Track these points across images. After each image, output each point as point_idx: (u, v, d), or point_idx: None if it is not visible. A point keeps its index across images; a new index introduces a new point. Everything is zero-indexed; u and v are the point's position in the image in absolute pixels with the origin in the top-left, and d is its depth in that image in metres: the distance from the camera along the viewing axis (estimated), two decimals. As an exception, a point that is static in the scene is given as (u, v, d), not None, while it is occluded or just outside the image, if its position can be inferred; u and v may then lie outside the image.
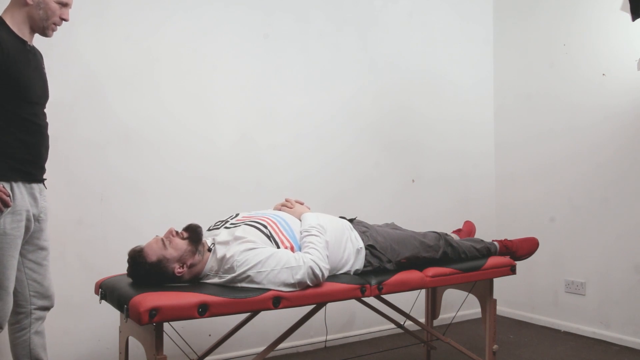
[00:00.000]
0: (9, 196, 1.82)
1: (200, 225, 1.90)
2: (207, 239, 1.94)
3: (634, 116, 3.01)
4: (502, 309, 3.65)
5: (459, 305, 2.75)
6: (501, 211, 3.81)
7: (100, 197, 2.49)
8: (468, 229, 2.72)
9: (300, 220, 2.03)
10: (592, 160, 3.22)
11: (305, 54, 3.09)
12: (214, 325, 2.64)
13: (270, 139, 2.97)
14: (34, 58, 1.98)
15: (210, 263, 1.85)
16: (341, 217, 2.24)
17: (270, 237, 1.90)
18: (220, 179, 2.80)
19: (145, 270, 1.76)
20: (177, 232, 1.84)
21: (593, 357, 2.86)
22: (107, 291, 1.84)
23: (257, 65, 2.94)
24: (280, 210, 2.13)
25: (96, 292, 1.92)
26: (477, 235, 2.66)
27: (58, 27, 1.99)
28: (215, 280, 1.82)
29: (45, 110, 2.02)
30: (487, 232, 3.23)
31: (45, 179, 2.05)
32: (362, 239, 2.11)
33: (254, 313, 2.19)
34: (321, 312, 2.12)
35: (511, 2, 3.76)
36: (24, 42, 1.92)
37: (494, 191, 3.85)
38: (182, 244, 1.79)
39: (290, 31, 3.04)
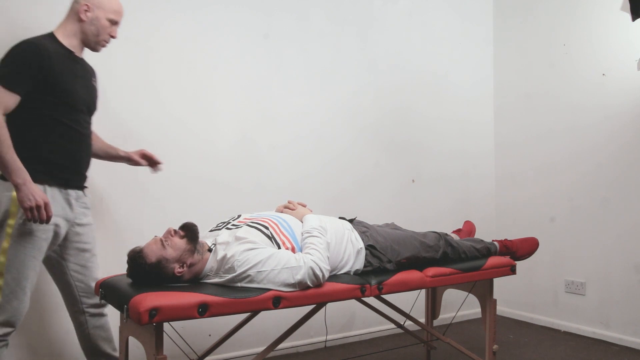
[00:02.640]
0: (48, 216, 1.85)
1: (197, 225, 1.89)
2: (208, 239, 1.94)
3: (634, 116, 3.01)
4: (502, 309, 3.65)
5: (459, 305, 2.75)
6: (501, 211, 3.81)
7: (100, 197, 2.49)
8: (468, 229, 2.72)
9: (302, 222, 2.03)
10: (592, 160, 3.23)
11: (305, 54, 3.09)
12: (214, 325, 2.64)
13: (271, 139, 2.97)
14: (81, 69, 2.07)
15: (211, 263, 1.85)
16: (341, 218, 2.24)
17: (271, 237, 1.90)
18: (221, 179, 2.80)
19: (145, 271, 1.75)
20: (175, 232, 1.84)
21: (593, 357, 2.87)
22: (107, 291, 1.84)
23: (257, 65, 2.94)
24: (282, 212, 2.14)
25: (96, 292, 1.92)
26: (477, 235, 2.66)
27: (107, 43, 2.10)
28: (216, 280, 1.82)
29: (89, 120, 2.10)
30: (487, 232, 3.23)
31: (86, 187, 2.12)
32: (362, 239, 2.10)
33: (254, 313, 2.19)
34: (321, 312, 2.12)
35: (511, 2, 3.77)
36: (70, 52, 2.01)
37: (494, 191, 3.85)
38: (181, 243, 1.79)
39: (290, 31, 3.05)
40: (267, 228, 1.92)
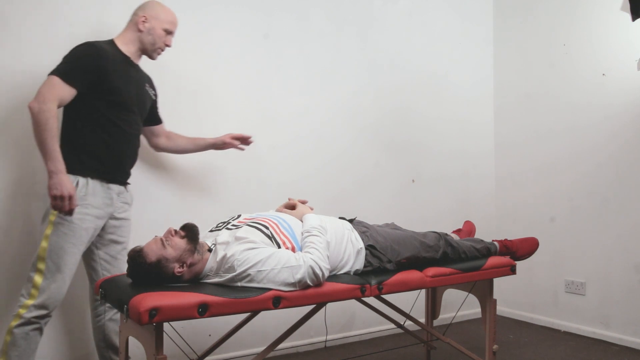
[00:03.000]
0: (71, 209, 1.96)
1: (197, 225, 1.90)
2: (208, 239, 1.94)
3: (634, 116, 3.01)
4: (502, 309, 3.65)
5: (459, 305, 2.75)
6: (501, 211, 3.81)
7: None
8: (468, 229, 2.72)
9: (302, 221, 2.03)
10: (592, 160, 3.23)
11: (305, 54, 3.09)
12: (214, 325, 2.64)
13: (270, 139, 2.97)
14: (135, 73, 2.24)
15: (210, 263, 1.85)
16: (341, 218, 2.24)
17: (271, 237, 1.90)
18: (220, 179, 2.80)
19: (145, 270, 1.75)
20: (175, 232, 1.84)
21: (593, 357, 2.87)
22: (107, 291, 1.84)
23: (257, 65, 2.94)
24: (282, 211, 2.14)
25: (96, 292, 1.92)
26: (477, 235, 2.66)
27: (162, 51, 2.30)
28: (216, 279, 1.82)
29: (139, 121, 2.26)
30: (487, 232, 3.23)
31: (129, 183, 2.27)
32: (362, 239, 2.10)
33: (254, 313, 2.19)
34: (321, 312, 2.12)
35: (511, 2, 3.77)
36: (126, 57, 2.19)
37: (494, 191, 3.85)
38: (181, 243, 1.80)
39: (290, 31, 3.05)
40: (267, 228, 1.92)
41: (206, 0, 2.78)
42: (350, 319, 3.20)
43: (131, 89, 2.18)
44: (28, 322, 1.95)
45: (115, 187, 2.17)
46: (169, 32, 2.27)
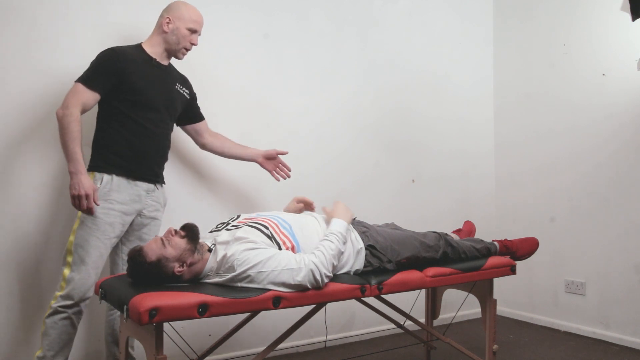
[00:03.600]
0: (91, 207, 2.04)
1: (197, 225, 1.90)
2: (208, 240, 1.94)
3: (634, 116, 3.01)
4: (502, 309, 3.65)
5: (459, 305, 2.75)
6: (501, 211, 3.81)
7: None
8: (468, 229, 2.72)
9: (329, 222, 2.02)
10: (592, 160, 3.23)
11: (305, 54, 3.09)
12: (214, 325, 2.64)
13: (270, 139, 2.96)
14: (161, 73, 2.29)
15: (211, 263, 1.85)
16: (341, 218, 2.23)
17: (271, 237, 1.90)
18: (220, 179, 2.80)
19: (145, 269, 1.76)
20: (175, 231, 1.84)
21: (593, 357, 2.87)
22: (107, 291, 1.84)
23: (257, 65, 2.94)
24: (289, 209, 2.15)
25: (96, 292, 1.92)
26: (477, 235, 2.66)
27: (188, 51, 2.34)
28: (216, 279, 1.82)
29: (168, 120, 2.31)
30: (487, 232, 3.23)
31: (162, 183, 2.34)
32: (362, 239, 2.10)
33: (254, 313, 2.19)
34: (321, 312, 2.12)
35: (511, 2, 3.77)
36: (151, 58, 2.25)
37: (494, 191, 3.85)
38: (181, 243, 1.80)
39: (290, 31, 3.05)
40: (267, 228, 1.92)
41: (206, 0, 2.78)
42: (350, 319, 3.20)
43: (155, 88, 2.23)
44: (56, 312, 2.03)
45: (143, 185, 2.22)
46: (193, 31, 2.30)
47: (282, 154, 2.66)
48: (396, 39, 3.44)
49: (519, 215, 3.67)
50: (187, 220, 1.92)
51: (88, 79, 2.09)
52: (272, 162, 2.67)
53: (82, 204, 2.01)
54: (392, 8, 3.43)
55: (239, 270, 1.76)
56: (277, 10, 3.00)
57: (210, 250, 1.88)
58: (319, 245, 1.89)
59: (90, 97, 2.09)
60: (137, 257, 1.76)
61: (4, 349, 2.29)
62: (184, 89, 2.41)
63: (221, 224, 2.07)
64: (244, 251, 1.78)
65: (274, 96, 2.99)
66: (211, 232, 2.04)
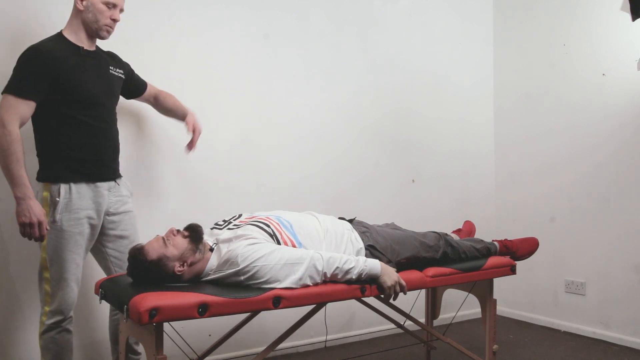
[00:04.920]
0: (42, 234, 1.91)
1: (201, 225, 1.90)
2: (209, 239, 1.95)
3: (634, 116, 3.01)
4: (502, 309, 3.65)
5: (459, 305, 2.75)
6: (501, 211, 3.81)
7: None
8: (468, 229, 2.72)
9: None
10: (592, 160, 3.22)
11: (305, 53, 3.09)
12: (214, 325, 2.64)
13: (270, 139, 2.97)
14: (92, 62, 2.08)
15: (212, 262, 1.86)
16: (341, 218, 2.24)
17: (272, 235, 1.91)
18: (220, 179, 2.80)
19: (145, 268, 1.76)
20: (178, 231, 1.84)
21: (593, 357, 2.87)
22: (107, 291, 1.84)
23: (257, 65, 2.94)
24: None
25: (96, 292, 1.92)
26: (477, 235, 2.66)
27: (112, 28, 2.08)
28: (218, 275, 1.82)
29: (112, 111, 2.15)
30: (487, 232, 3.22)
31: (120, 176, 2.19)
32: (362, 240, 2.11)
33: (254, 313, 2.19)
34: (321, 312, 2.12)
35: (511, 2, 3.76)
36: (78, 48, 2.03)
37: (494, 191, 3.85)
38: (183, 243, 1.80)
39: (290, 31, 3.04)
40: (268, 226, 1.94)
41: (206, 0, 2.78)
42: (350, 319, 3.20)
43: (92, 81, 2.05)
44: (50, 328, 1.99)
45: (104, 184, 2.09)
46: (112, 6, 2.04)
47: (191, 141, 2.42)
48: (396, 39, 3.44)
49: (519, 215, 3.67)
50: (187, 221, 1.92)
51: (18, 88, 1.88)
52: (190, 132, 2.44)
53: (33, 232, 1.87)
54: (392, 8, 3.42)
55: (242, 265, 1.76)
56: (277, 10, 3.00)
57: (212, 249, 1.88)
58: (335, 253, 1.90)
59: (26, 108, 1.89)
60: (137, 255, 1.77)
61: None
62: (117, 70, 2.21)
63: (223, 221, 2.08)
64: (246, 246, 1.79)
65: (274, 96, 2.99)
66: (212, 229, 2.05)
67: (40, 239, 1.91)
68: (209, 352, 2.27)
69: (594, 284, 3.21)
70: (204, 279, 1.86)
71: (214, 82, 2.80)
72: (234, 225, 1.99)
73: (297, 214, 2.11)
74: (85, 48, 2.06)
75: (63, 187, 1.98)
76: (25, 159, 1.90)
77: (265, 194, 2.91)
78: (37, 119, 1.98)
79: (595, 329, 3.19)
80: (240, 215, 2.08)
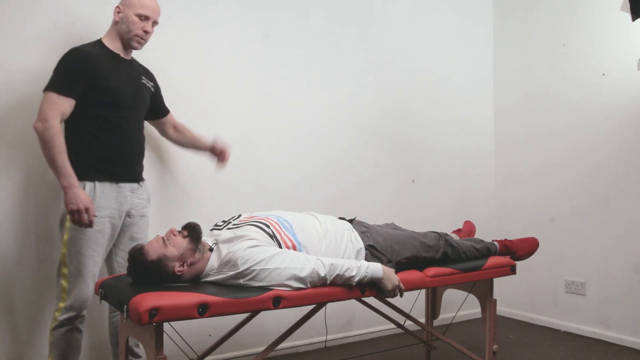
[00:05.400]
0: (90, 220, 1.99)
1: (199, 224, 1.90)
2: (209, 239, 1.94)
3: (634, 116, 3.01)
4: (502, 309, 3.65)
5: (459, 305, 2.75)
6: (501, 211, 3.81)
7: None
8: (468, 229, 2.72)
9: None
10: (592, 160, 3.22)
11: (305, 53, 3.09)
12: (214, 325, 2.64)
13: (270, 139, 2.97)
14: (127, 68, 2.22)
15: (212, 262, 1.85)
16: (341, 218, 2.23)
17: (273, 236, 1.90)
18: (220, 179, 2.80)
19: (145, 268, 1.76)
20: (178, 232, 1.84)
21: (593, 357, 2.87)
22: (107, 291, 1.84)
23: (257, 65, 2.94)
24: None
25: (96, 292, 1.92)
26: (477, 235, 2.66)
27: (143, 39, 2.20)
28: (217, 277, 1.82)
29: (140, 117, 2.26)
30: (487, 232, 3.23)
31: (143, 180, 2.29)
32: (362, 239, 2.10)
33: (254, 313, 2.19)
34: (321, 312, 2.12)
35: (511, 2, 3.77)
36: (115, 55, 2.17)
37: (494, 191, 3.85)
38: (183, 243, 1.80)
39: (290, 31, 3.05)
40: (268, 227, 1.93)
41: (206, 0, 2.78)
42: (350, 319, 3.20)
43: (124, 85, 2.16)
44: (62, 324, 2.04)
45: (127, 185, 2.17)
46: (144, 18, 2.16)
47: (221, 153, 2.55)
48: (396, 39, 3.44)
49: (519, 215, 3.67)
50: (187, 221, 1.92)
51: (60, 85, 2.00)
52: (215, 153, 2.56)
53: (82, 219, 1.95)
54: (392, 8, 3.42)
55: (242, 268, 1.76)
56: (277, 10, 3.00)
57: (211, 249, 1.88)
58: (339, 260, 1.88)
59: (67, 104, 2.00)
60: (137, 255, 1.76)
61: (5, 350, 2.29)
62: (148, 81, 2.34)
63: (222, 222, 2.07)
64: (247, 248, 1.78)
65: (274, 96, 2.99)
66: (212, 230, 2.04)
67: (90, 225, 1.98)
68: (209, 352, 2.27)
69: (594, 284, 3.21)
70: (204, 279, 1.86)
71: (214, 82, 2.80)
72: (234, 225, 1.99)
73: (296, 214, 2.11)
74: (121, 56, 2.20)
75: (88, 185, 2.05)
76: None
77: (265, 194, 2.91)
78: (69, 118, 2.06)
79: (595, 329, 3.19)
80: (239, 216, 2.08)
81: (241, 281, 1.77)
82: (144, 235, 2.26)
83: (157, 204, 2.62)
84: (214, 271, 1.84)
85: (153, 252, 1.76)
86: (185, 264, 1.79)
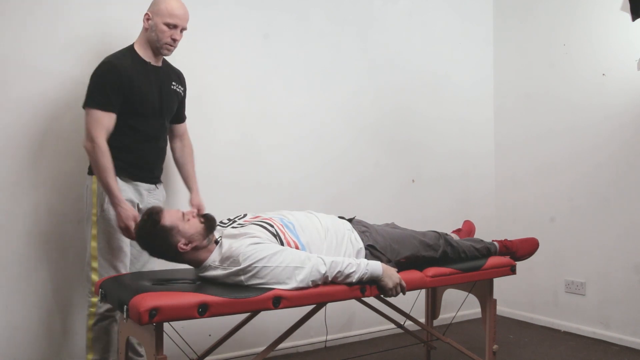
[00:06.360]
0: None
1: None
2: (216, 233, 1.97)
3: (634, 116, 3.01)
4: (502, 309, 3.65)
5: (459, 305, 2.75)
6: (501, 211, 3.81)
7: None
8: (468, 229, 2.72)
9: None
10: (592, 160, 3.22)
11: (305, 54, 3.09)
12: (214, 325, 2.64)
13: (270, 139, 2.97)
14: (157, 76, 2.25)
15: (215, 255, 1.87)
16: (340, 217, 2.24)
17: (276, 235, 1.92)
18: (221, 179, 2.80)
19: (155, 229, 1.78)
20: (197, 215, 1.89)
21: (593, 357, 2.87)
22: (107, 291, 1.84)
23: (257, 65, 2.94)
24: None
25: (96, 292, 1.93)
26: (477, 235, 2.66)
27: (172, 46, 2.22)
28: (219, 272, 1.83)
29: (166, 123, 2.31)
30: (487, 232, 3.22)
31: (160, 182, 2.35)
32: (362, 239, 2.11)
33: (254, 313, 2.19)
34: (321, 312, 2.12)
35: (511, 2, 3.76)
36: (145, 63, 2.21)
37: (494, 191, 3.85)
38: (198, 226, 1.84)
39: (290, 31, 3.04)
40: (272, 226, 1.95)
41: (206, 0, 2.78)
42: (350, 319, 3.20)
43: (155, 94, 2.22)
44: (103, 317, 2.10)
45: (145, 185, 2.22)
46: (172, 26, 2.17)
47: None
48: (396, 39, 3.44)
49: (519, 215, 3.67)
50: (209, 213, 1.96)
51: (101, 102, 2.06)
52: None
53: (129, 235, 2.06)
54: (392, 8, 3.42)
55: (243, 265, 1.76)
56: (277, 10, 3.00)
57: (217, 242, 1.90)
58: (339, 257, 1.89)
59: (111, 120, 2.08)
60: (154, 214, 1.80)
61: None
62: (179, 86, 2.37)
63: (227, 220, 2.09)
64: (249, 245, 1.79)
65: (274, 96, 2.99)
66: (217, 225, 2.06)
67: (133, 238, 2.03)
68: (209, 352, 2.27)
69: (594, 284, 3.21)
70: (204, 273, 1.87)
71: (214, 81, 2.80)
72: (239, 224, 2.02)
73: (300, 215, 2.12)
74: (152, 64, 2.23)
75: None
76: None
77: (265, 194, 2.91)
78: None
79: (595, 329, 3.19)
80: (245, 215, 2.11)
81: (242, 278, 1.78)
82: None
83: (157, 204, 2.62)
84: (215, 264, 1.85)
85: (169, 218, 1.79)
86: (190, 244, 1.81)
